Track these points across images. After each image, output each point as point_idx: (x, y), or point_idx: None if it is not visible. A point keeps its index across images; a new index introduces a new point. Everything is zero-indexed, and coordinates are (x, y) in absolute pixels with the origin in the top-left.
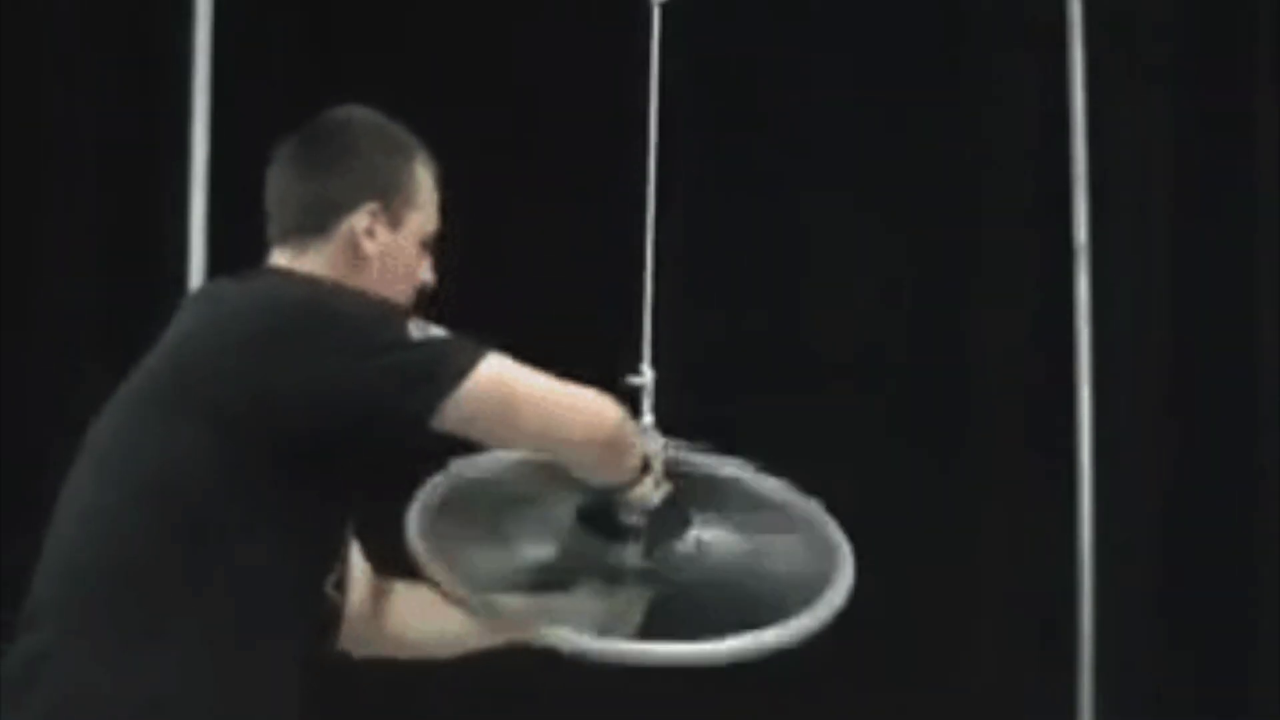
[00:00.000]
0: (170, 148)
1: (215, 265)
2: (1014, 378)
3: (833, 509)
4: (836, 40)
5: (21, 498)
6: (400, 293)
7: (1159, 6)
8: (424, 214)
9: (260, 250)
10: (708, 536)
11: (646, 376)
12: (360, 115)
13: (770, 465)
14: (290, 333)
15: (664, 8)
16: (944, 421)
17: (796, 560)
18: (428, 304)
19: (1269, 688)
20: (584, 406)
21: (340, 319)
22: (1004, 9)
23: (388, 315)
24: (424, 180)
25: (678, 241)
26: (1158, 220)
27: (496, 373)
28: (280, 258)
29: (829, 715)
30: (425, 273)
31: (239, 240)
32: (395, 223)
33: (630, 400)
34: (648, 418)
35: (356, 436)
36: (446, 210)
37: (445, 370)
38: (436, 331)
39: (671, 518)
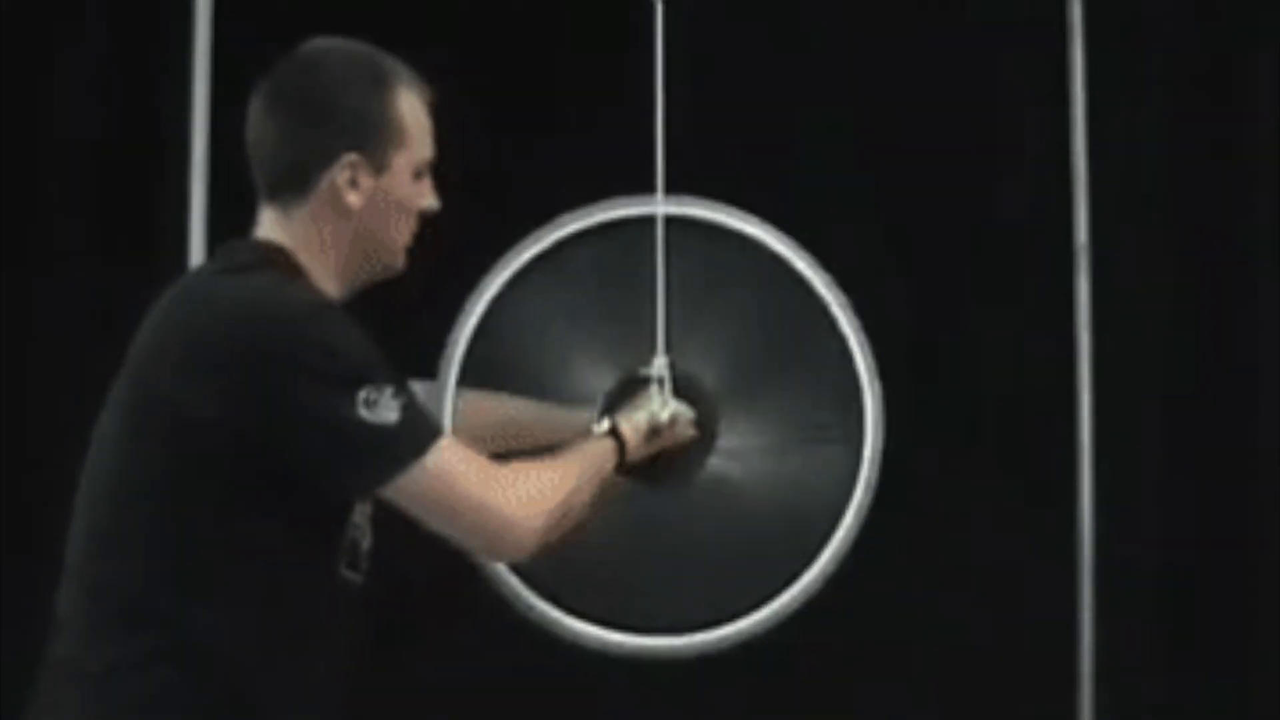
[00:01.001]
0: (170, 144)
1: None
2: (1014, 378)
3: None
4: (835, 39)
5: (23, 494)
6: (399, 229)
7: (1159, 6)
8: (412, 147)
9: None
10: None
11: (659, 366)
12: (331, 50)
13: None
14: (242, 374)
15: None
16: (942, 421)
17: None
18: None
19: (1269, 691)
20: (517, 522)
21: (295, 375)
22: (1004, 9)
23: (344, 375)
24: (408, 111)
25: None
26: (1158, 220)
27: (436, 471)
28: (265, 220)
29: (826, 714)
30: (426, 199)
31: (238, 235)
32: (379, 167)
33: None
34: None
35: (292, 486)
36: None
37: (385, 459)
38: (388, 410)
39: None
